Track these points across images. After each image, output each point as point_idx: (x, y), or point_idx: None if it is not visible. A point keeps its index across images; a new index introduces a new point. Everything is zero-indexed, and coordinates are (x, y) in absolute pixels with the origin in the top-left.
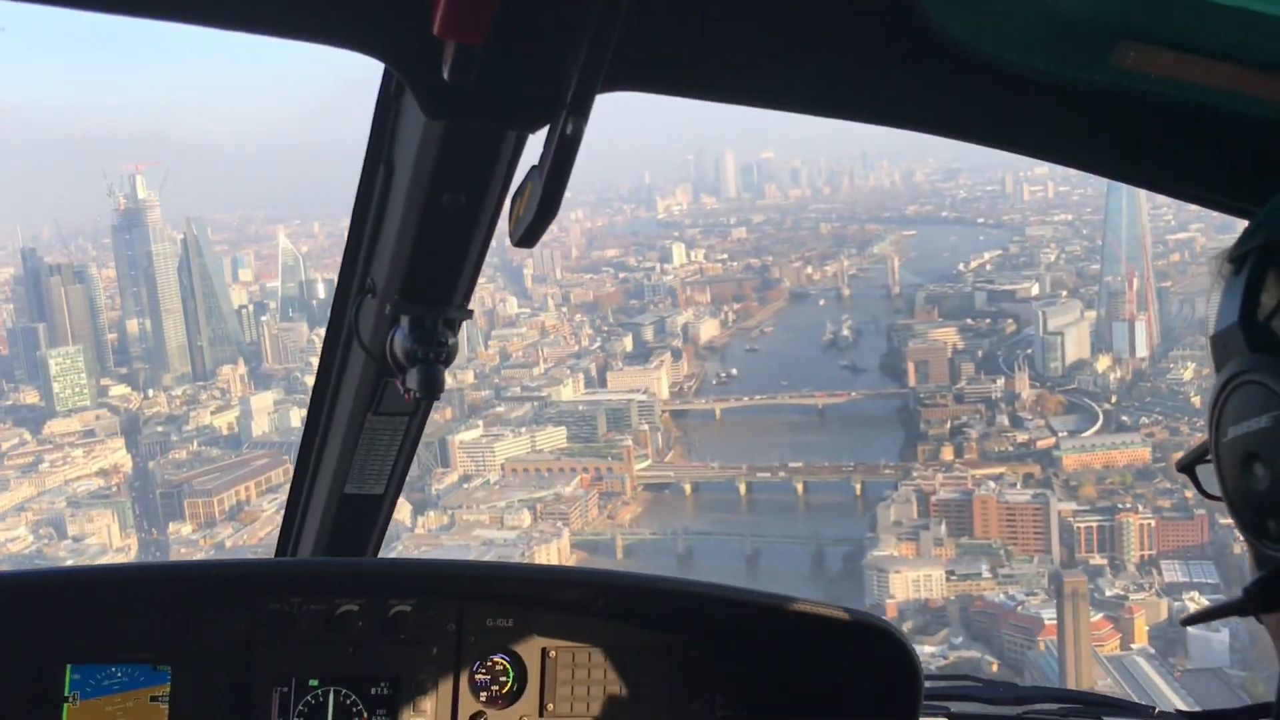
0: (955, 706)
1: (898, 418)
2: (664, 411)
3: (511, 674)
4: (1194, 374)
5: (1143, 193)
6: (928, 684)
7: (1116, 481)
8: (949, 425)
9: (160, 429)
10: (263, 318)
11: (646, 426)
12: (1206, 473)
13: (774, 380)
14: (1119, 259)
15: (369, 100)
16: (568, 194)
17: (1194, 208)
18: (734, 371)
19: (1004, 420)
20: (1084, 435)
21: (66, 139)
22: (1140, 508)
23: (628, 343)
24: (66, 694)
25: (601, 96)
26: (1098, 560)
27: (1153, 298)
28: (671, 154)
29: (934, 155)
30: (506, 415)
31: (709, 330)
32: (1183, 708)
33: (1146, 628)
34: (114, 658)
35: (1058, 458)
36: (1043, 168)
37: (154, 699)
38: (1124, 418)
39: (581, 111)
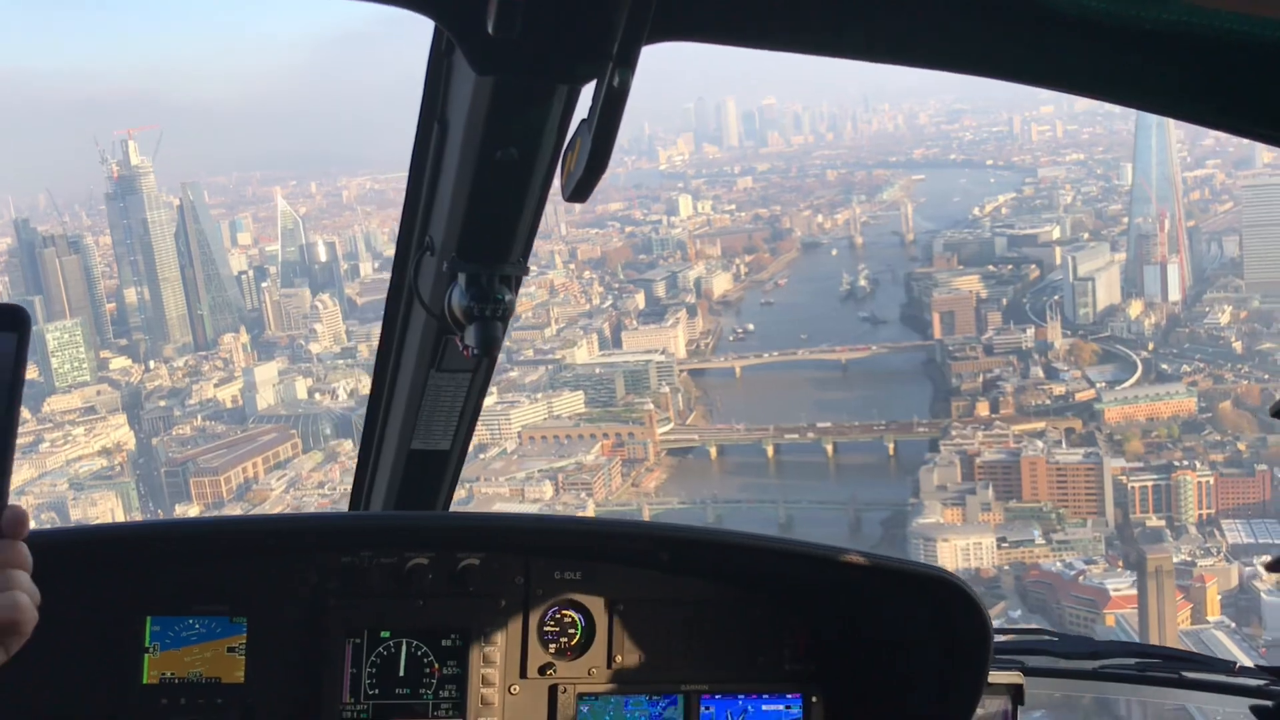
0: (1030, 661)
1: (924, 371)
2: (682, 371)
3: (580, 626)
4: (1231, 318)
5: (1173, 132)
6: (1002, 639)
7: (1163, 434)
8: (981, 379)
9: (162, 403)
10: (263, 284)
11: (667, 388)
12: None
13: (792, 335)
14: (1149, 199)
15: (363, 55)
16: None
17: (1209, 141)
18: (750, 327)
19: (1038, 372)
20: (1124, 386)
21: (56, 106)
22: (1197, 465)
23: (640, 299)
24: (147, 645)
25: (647, 48)
26: (1155, 522)
27: (1184, 239)
28: (671, 103)
29: (936, 97)
30: (520, 380)
31: (722, 284)
32: None
33: (1219, 596)
34: (192, 610)
35: (1099, 411)
36: (1049, 106)
37: (231, 650)
38: (1164, 365)
39: (628, 63)
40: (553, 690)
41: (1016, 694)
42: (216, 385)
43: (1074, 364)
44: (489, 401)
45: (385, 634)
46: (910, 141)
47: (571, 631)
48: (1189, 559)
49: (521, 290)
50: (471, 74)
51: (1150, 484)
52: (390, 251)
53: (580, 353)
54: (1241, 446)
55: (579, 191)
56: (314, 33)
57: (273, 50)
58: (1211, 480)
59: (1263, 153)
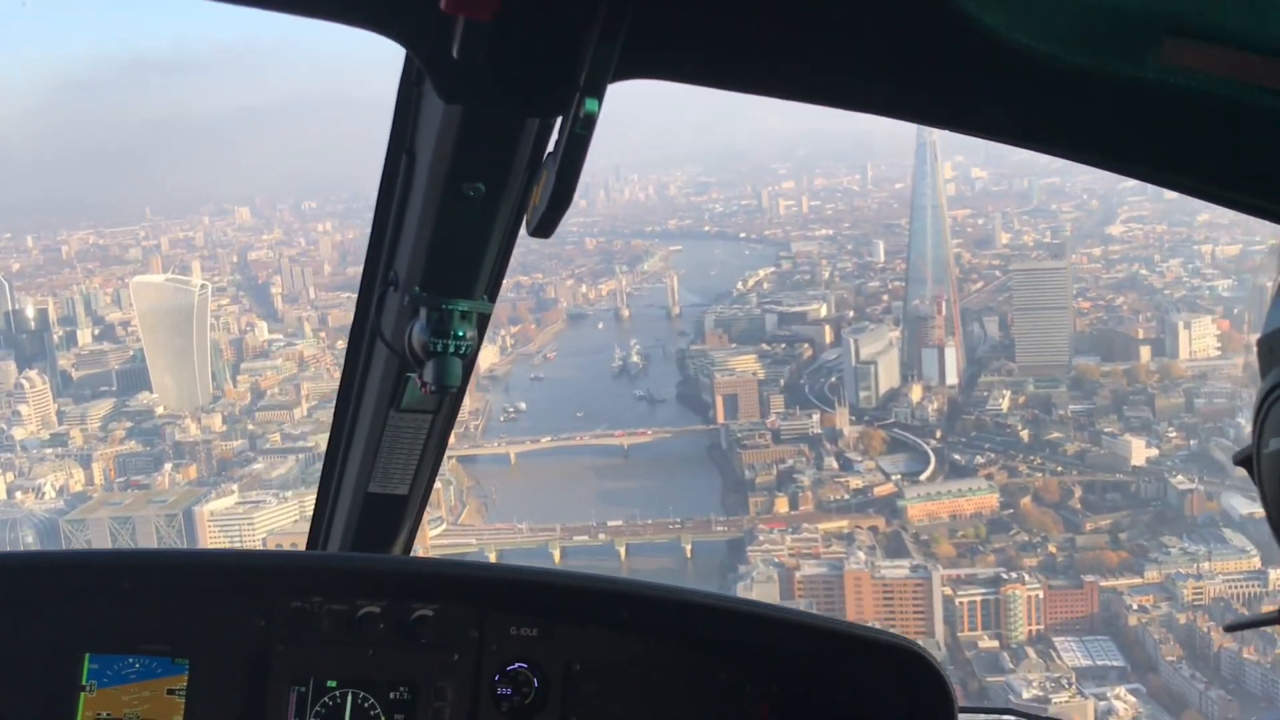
0: None
1: (710, 457)
2: (451, 458)
3: (534, 686)
4: (1011, 403)
5: (946, 213)
6: (969, 716)
7: (970, 535)
8: (775, 471)
9: None
10: None
11: (438, 482)
12: None
13: (567, 414)
14: (925, 281)
15: (91, 101)
16: (311, 204)
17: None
18: (523, 405)
19: (832, 463)
20: (922, 479)
21: None
22: (1026, 577)
23: None
24: (84, 683)
25: (614, 88)
26: (988, 643)
27: (959, 322)
28: None
29: (681, 169)
30: (266, 474)
31: (488, 357)
32: None
33: None
34: (133, 648)
35: (902, 508)
36: (790, 181)
37: (171, 691)
38: (955, 456)
39: (595, 94)
40: None
41: None
42: None
43: (866, 453)
44: (228, 503)
45: (332, 684)
46: (663, 212)
47: (526, 690)
48: (1040, 693)
49: (265, 363)
50: (441, 106)
51: (979, 599)
52: (113, 315)
53: None
54: (1052, 549)
55: (543, 227)
56: (34, 76)
57: None
58: (1041, 593)
59: (1001, 234)
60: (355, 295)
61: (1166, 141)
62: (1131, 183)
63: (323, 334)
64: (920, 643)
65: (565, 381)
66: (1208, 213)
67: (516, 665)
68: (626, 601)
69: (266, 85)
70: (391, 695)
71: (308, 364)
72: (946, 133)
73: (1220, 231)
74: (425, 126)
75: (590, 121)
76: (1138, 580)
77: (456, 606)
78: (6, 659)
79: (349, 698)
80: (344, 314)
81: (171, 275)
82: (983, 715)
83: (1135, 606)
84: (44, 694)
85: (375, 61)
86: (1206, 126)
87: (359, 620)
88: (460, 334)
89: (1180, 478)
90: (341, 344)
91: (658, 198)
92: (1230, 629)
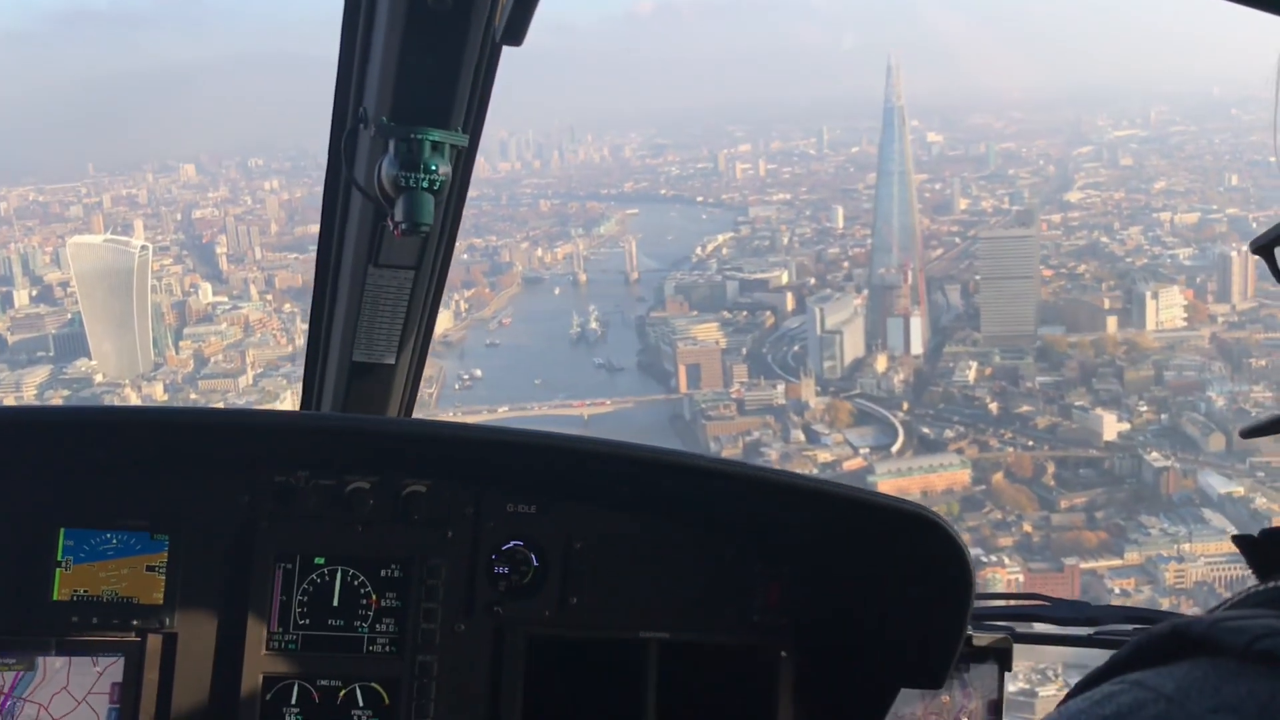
0: (1021, 627)
1: (672, 428)
2: None
3: (533, 564)
4: (977, 375)
5: (913, 179)
6: (992, 604)
7: (942, 512)
8: (741, 443)
9: None
10: None
11: None
12: None
13: (524, 382)
14: (891, 249)
15: (31, 50)
16: (259, 161)
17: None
18: (478, 373)
19: (799, 435)
20: (891, 453)
21: None
22: (1006, 561)
23: None
24: (59, 558)
25: None
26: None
27: (924, 290)
28: None
29: (636, 130)
30: None
31: (442, 322)
32: None
33: None
34: (110, 523)
35: (872, 484)
36: (746, 145)
37: (150, 568)
38: (924, 429)
39: None
40: (500, 630)
41: (1004, 658)
42: None
43: (833, 426)
44: None
45: (320, 560)
46: (619, 174)
47: (524, 569)
48: (1026, 685)
49: (210, 328)
50: None
51: None
52: (52, 276)
53: (284, 407)
54: (1028, 528)
55: (512, 30)
56: None
57: None
58: (1021, 577)
59: (960, 199)
60: (303, 256)
61: None
62: (1087, 148)
63: (269, 296)
64: None
65: (522, 348)
66: (1163, 180)
67: (514, 543)
68: (633, 467)
69: (212, 39)
70: (382, 573)
71: (253, 329)
72: (911, 96)
73: (1178, 199)
74: None
75: None
76: (1118, 562)
77: (451, 482)
78: None
79: (338, 575)
80: (291, 275)
81: (110, 236)
82: (1006, 601)
83: (1117, 590)
84: (18, 570)
85: (322, 20)
86: None
87: (348, 496)
88: (433, 167)
89: (1155, 454)
90: (289, 307)
91: (613, 159)
92: (1246, 435)
